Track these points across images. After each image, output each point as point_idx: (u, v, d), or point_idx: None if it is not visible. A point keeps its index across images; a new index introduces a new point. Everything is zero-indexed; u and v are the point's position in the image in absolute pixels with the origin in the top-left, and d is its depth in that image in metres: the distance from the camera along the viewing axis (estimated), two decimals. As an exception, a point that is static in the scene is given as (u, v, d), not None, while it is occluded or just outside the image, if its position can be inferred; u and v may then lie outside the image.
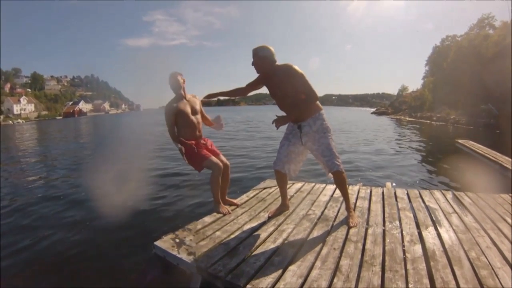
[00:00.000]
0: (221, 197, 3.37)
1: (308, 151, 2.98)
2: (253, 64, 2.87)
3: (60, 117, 79.32)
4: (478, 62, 23.25)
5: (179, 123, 3.22)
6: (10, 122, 61.44)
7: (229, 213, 3.23)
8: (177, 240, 2.55)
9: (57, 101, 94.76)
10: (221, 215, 3.14)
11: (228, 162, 3.45)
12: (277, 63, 2.84)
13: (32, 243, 3.74)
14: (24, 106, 77.11)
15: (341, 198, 3.38)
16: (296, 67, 2.72)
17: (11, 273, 3.07)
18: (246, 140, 14.18)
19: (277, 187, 4.03)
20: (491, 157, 6.12)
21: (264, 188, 4.13)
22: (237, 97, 3.38)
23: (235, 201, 3.52)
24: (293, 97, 2.75)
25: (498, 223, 2.70)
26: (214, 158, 3.19)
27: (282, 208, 3.20)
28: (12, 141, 20.05)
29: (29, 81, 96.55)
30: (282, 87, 2.79)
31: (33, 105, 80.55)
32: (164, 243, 2.51)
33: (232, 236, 2.63)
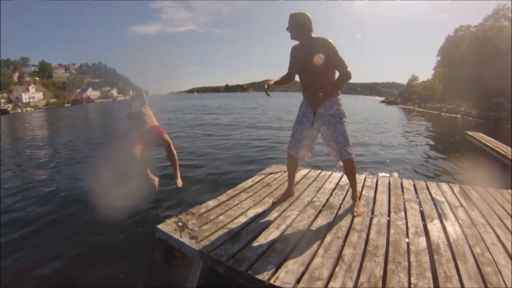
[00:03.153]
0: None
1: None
2: (288, 29, 2.75)
3: (68, 105, 78.77)
4: (492, 54, 22.72)
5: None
6: (19, 110, 61.35)
7: (154, 182, 4.35)
8: (180, 224, 2.55)
9: (65, 89, 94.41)
10: (224, 199, 3.14)
11: (169, 140, 4.48)
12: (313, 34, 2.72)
13: (32, 233, 3.66)
14: (33, 95, 76.75)
15: (347, 186, 3.37)
16: (332, 41, 2.62)
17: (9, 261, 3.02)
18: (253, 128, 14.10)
19: (282, 172, 4.03)
20: (501, 151, 6.03)
21: (270, 174, 4.12)
22: (288, 84, 3.13)
23: (179, 181, 4.43)
24: (323, 73, 2.68)
25: (505, 220, 2.66)
26: (135, 149, 4.25)
27: (287, 194, 3.19)
28: (19, 129, 19.92)
29: (37, 70, 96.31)
30: (315, 62, 2.66)
31: (41, 93, 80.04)
32: (167, 226, 2.51)
33: (236, 221, 2.63)
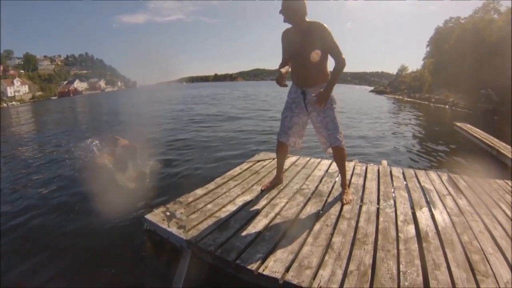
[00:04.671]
0: None
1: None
2: (281, 12, 2.61)
3: (55, 97, 75.68)
4: (481, 46, 22.87)
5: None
6: (5, 105, 58.89)
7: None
8: (168, 213, 2.51)
9: (51, 81, 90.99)
10: (212, 187, 3.09)
11: (137, 145, 5.55)
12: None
13: (18, 225, 3.62)
14: (18, 88, 73.42)
15: (336, 174, 3.35)
16: (328, 27, 2.52)
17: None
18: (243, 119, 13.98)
19: (271, 159, 3.99)
20: (488, 142, 6.07)
21: (258, 161, 4.08)
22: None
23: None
24: (318, 60, 2.60)
25: (492, 209, 2.67)
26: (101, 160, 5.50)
27: (276, 182, 3.15)
28: (5, 125, 19.02)
29: (22, 63, 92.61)
30: (311, 46, 2.57)
31: (27, 86, 76.85)
32: (155, 216, 2.46)
33: (224, 209, 2.59)
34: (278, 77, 2.60)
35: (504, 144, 5.79)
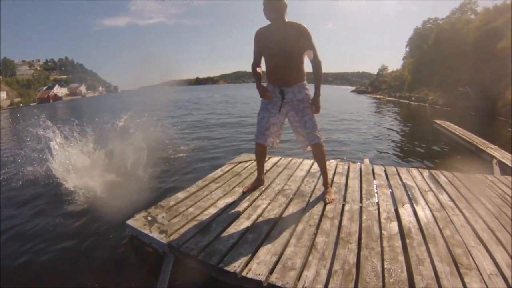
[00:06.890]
0: None
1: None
2: (266, 11, 2.61)
3: (34, 103, 73.10)
4: (459, 46, 23.45)
5: None
6: None
7: None
8: (149, 218, 2.44)
9: (30, 87, 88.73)
10: (194, 190, 3.03)
11: None
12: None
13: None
14: None
15: (318, 173, 3.34)
16: (308, 28, 2.56)
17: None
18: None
19: (252, 161, 3.96)
20: (466, 138, 6.20)
21: (240, 162, 4.04)
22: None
23: None
24: (298, 60, 2.64)
25: (472, 203, 2.71)
26: None
27: (258, 183, 3.12)
28: None
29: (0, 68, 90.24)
30: (290, 46, 2.58)
31: (5, 92, 73.99)
32: (136, 221, 2.39)
33: (205, 212, 2.54)
34: (263, 92, 2.69)
35: (482, 140, 5.92)
